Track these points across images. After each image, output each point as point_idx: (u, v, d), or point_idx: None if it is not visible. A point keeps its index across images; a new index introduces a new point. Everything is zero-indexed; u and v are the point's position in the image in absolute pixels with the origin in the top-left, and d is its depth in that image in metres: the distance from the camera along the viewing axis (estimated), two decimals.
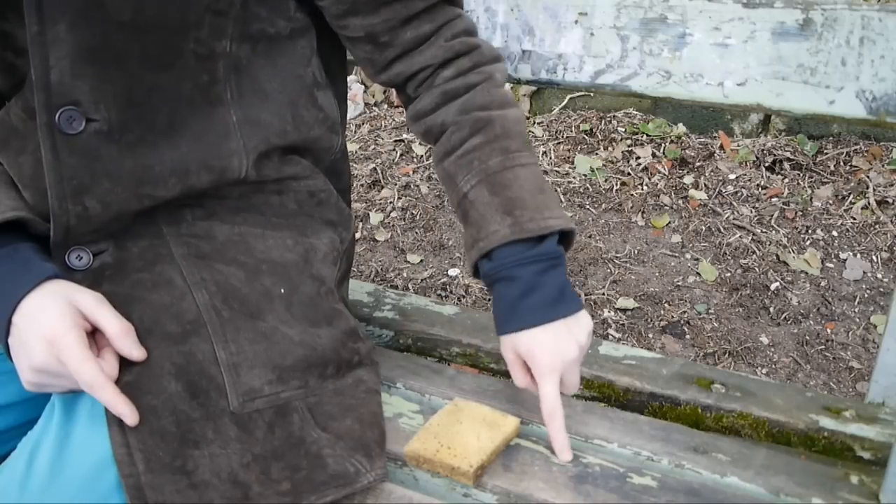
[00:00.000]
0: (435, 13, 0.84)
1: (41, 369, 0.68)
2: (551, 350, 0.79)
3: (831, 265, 2.13)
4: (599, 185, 2.51)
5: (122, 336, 0.70)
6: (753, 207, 2.36)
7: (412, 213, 2.46)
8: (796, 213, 2.33)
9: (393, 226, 2.42)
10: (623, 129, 2.75)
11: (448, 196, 0.91)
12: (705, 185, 2.47)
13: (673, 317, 1.94)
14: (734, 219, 2.31)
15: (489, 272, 0.82)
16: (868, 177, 2.42)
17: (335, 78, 0.92)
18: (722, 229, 2.27)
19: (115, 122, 0.72)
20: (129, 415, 0.68)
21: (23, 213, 0.72)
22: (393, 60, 0.86)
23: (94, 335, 0.71)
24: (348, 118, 3.11)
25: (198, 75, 0.75)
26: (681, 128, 2.75)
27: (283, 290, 0.81)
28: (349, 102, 3.13)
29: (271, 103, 0.81)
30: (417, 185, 2.60)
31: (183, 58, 0.74)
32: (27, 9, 0.66)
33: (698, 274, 2.11)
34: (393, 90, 0.94)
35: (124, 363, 0.71)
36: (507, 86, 0.91)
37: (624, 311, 1.98)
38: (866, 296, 2.01)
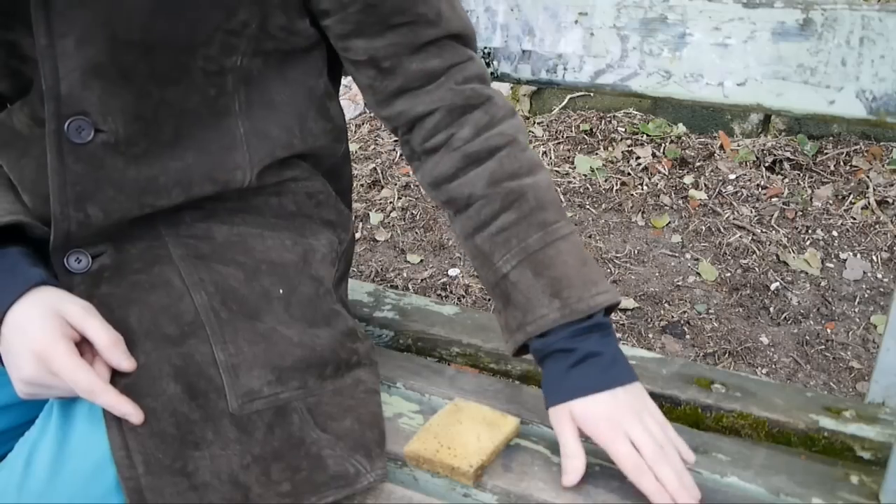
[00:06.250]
0: (444, 48, 0.80)
1: (32, 382, 0.68)
2: (607, 418, 0.74)
3: (831, 265, 2.13)
4: (599, 185, 2.51)
5: (111, 347, 0.69)
6: (753, 207, 2.36)
7: (412, 213, 2.46)
8: (796, 213, 2.32)
9: (393, 226, 2.42)
10: (623, 129, 2.75)
11: (480, 274, 0.83)
12: (705, 185, 2.47)
13: (673, 317, 1.94)
14: (734, 219, 2.31)
15: (540, 348, 0.79)
16: (868, 177, 2.42)
17: (337, 85, 0.92)
18: (722, 229, 2.27)
19: (122, 134, 0.72)
20: (134, 413, 0.68)
21: (21, 217, 0.72)
22: (396, 93, 0.81)
23: (86, 343, 0.71)
24: (348, 118, 3.11)
25: (205, 89, 0.75)
26: (681, 128, 2.74)
27: (281, 291, 0.81)
28: (349, 102, 3.13)
29: (280, 115, 0.81)
30: (417, 185, 2.60)
31: (191, 74, 0.73)
32: (35, 22, 0.66)
33: (698, 274, 2.11)
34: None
35: None
36: (519, 116, 0.84)
37: (624, 311, 1.98)
38: (866, 296, 2.01)
